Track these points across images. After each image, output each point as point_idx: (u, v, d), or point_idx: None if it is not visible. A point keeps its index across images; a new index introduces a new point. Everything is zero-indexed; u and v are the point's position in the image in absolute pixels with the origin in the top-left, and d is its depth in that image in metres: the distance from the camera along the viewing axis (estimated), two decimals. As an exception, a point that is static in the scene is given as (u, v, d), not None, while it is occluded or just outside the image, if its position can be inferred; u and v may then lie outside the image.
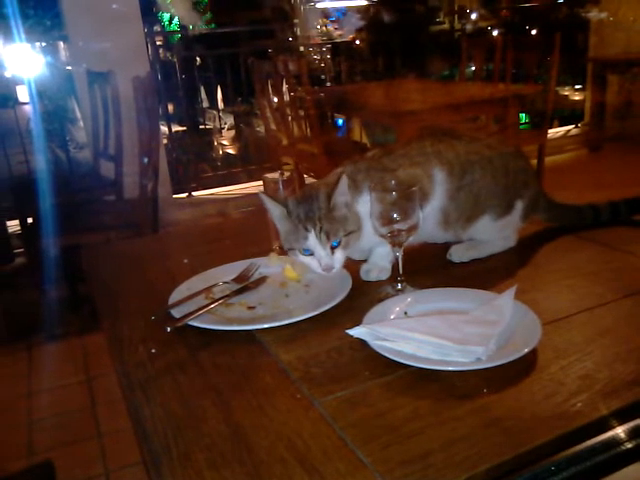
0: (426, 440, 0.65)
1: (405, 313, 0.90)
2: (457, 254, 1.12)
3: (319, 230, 0.96)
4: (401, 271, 0.99)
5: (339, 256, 0.98)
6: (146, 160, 2.70)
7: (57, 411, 2.20)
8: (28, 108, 4.11)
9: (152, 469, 0.64)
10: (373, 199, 0.95)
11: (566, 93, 6.31)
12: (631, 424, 0.66)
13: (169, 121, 5.14)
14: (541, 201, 1.19)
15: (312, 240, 0.96)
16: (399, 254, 0.98)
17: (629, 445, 0.64)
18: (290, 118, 3.61)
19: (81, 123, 4.17)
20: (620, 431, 0.65)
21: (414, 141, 1.12)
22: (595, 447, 0.64)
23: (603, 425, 0.66)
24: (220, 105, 6.12)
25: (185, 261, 1.22)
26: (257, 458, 0.64)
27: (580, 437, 0.64)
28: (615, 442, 0.65)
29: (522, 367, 0.76)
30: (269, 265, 1.11)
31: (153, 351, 0.89)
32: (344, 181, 0.96)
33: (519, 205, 1.13)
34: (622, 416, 0.66)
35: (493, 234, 1.14)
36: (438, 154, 1.08)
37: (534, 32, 6.45)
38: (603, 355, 0.78)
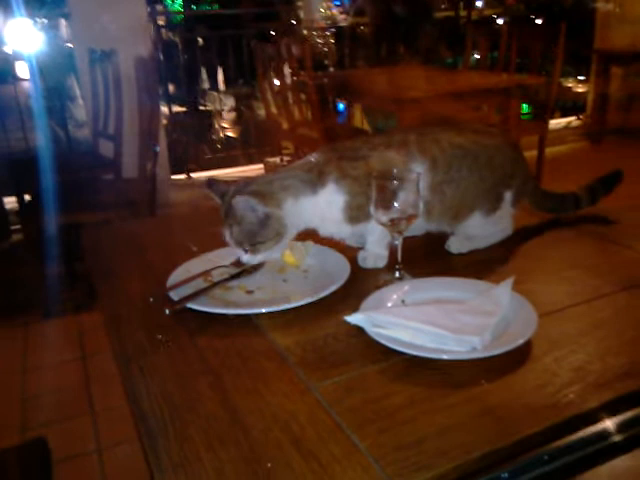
0: (420, 427, 0.66)
1: (402, 301, 0.91)
2: (455, 246, 1.12)
3: (230, 234, 1.00)
4: (399, 259, 1.00)
5: (254, 257, 1.00)
6: (146, 140, 2.69)
7: (51, 388, 2.22)
8: (28, 85, 4.07)
9: (149, 450, 0.65)
10: (373, 187, 0.96)
11: (570, 85, 6.28)
12: (622, 416, 0.67)
13: (169, 102, 5.11)
14: (529, 185, 1.19)
15: (227, 237, 1.01)
16: (398, 242, 0.99)
17: (619, 437, 0.65)
18: (291, 102, 3.59)
19: (80, 101, 4.15)
20: (611, 423, 0.66)
21: (397, 132, 1.12)
22: (588, 438, 0.64)
23: (594, 416, 0.67)
24: (221, 87, 6.08)
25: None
26: (253, 440, 0.65)
27: (572, 428, 0.65)
28: (606, 434, 0.66)
29: (517, 357, 0.76)
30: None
31: (151, 333, 0.90)
32: (240, 204, 0.97)
33: (508, 195, 1.13)
34: (614, 408, 0.67)
35: (489, 229, 1.14)
36: (420, 146, 1.07)
37: (539, 21, 6.40)
38: (597, 347, 0.79)
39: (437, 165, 1.06)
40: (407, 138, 1.08)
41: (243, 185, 1.02)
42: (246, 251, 1.00)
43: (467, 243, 1.13)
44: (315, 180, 1.03)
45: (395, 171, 1.00)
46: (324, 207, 1.03)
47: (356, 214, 1.03)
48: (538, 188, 1.22)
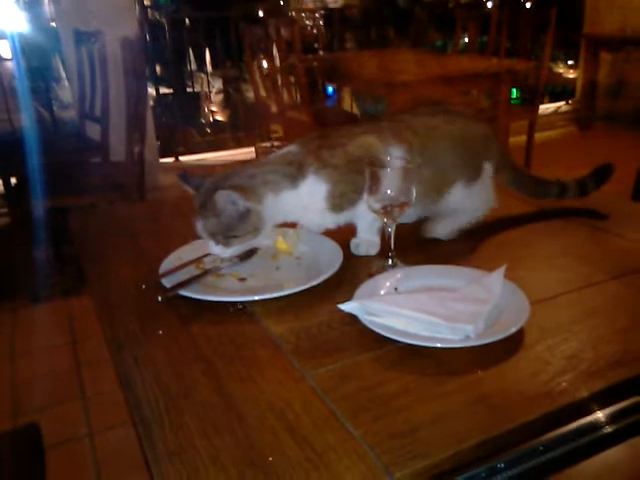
0: (414, 415, 0.66)
1: (395, 289, 0.91)
2: (443, 231, 1.13)
3: (204, 226, 0.98)
4: (392, 247, 1.00)
5: (225, 249, 0.99)
6: (133, 122, 2.66)
7: (42, 373, 2.21)
8: (11, 64, 4.00)
9: (144, 438, 0.65)
10: (367, 175, 0.95)
11: (560, 71, 6.28)
12: (616, 406, 0.68)
13: (156, 83, 5.05)
14: (506, 160, 1.20)
15: (200, 228, 0.99)
16: (391, 230, 0.98)
17: (613, 427, 0.66)
18: (280, 85, 3.56)
19: (66, 82, 4.08)
20: (605, 413, 0.67)
21: (373, 121, 1.11)
22: (582, 428, 0.65)
23: (588, 406, 0.67)
24: (209, 68, 6.00)
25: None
26: (248, 428, 0.65)
27: (565, 416, 0.66)
28: (600, 424, 0.67)
29: (510, 345, 0.77)
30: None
31: (143, 320, 0.89)
32: (221, 198, 0.95)
33: (487, 166, 1.14)
34: (607, 397, 0.68)
35: (472, 201, 1.14)
36: (396, 132, 1.07)
37: (529, 5, 6.38)
38: (589, 335, 0.80)
39: (413, 148, 1.06)
40: (380, 125, 1.08)
41: (223, 178, 1.00)
42: (218, 243, 0.99)
43: (451, 223, 1.13)
44: (296, 173, 1.01)
45: (388, 158, 0.99)
46: (307, 199, 1.02)
47: (339, 202, 1.03)
48: (519, 169, 1.23)
